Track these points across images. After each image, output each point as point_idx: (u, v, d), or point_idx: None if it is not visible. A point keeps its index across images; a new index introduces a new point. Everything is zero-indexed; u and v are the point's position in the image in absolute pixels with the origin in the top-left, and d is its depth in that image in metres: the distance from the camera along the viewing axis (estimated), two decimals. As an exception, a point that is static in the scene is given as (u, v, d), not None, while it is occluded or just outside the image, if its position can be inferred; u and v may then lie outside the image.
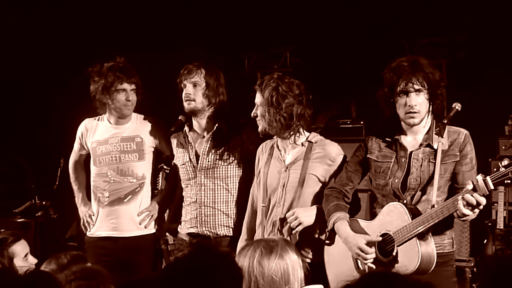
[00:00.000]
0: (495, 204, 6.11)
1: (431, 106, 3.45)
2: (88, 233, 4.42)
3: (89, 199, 4.47)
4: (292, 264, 2.65)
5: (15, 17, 7.36)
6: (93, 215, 4.37)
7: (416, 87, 3.38)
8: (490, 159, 6.27)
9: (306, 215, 3.66)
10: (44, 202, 5.77)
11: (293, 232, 3.64)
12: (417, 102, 3.39)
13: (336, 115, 7.45)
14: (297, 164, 3.77)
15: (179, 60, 4.24)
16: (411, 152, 3.47)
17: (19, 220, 6.09)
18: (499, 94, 6.73)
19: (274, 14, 7.45)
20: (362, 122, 7.20)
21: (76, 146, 4.54)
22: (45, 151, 7.05)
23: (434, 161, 3.39)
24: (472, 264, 6.35)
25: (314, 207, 3.71)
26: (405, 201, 3.41)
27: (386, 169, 3.50)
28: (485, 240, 6.10)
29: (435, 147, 3.41)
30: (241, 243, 3.88)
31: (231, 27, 7.50)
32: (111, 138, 4.35)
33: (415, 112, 3.40)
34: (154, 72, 4.42)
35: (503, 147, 6.51)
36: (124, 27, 7.37)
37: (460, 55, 7.47)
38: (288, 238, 3.65)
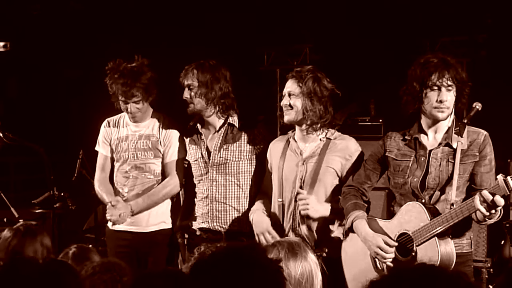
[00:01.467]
0: (513, 206, 6.06)
1: (456, 103, 3.45)
2: (108, 225, 4.47)
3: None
4: (314, 266, 2.66)
5: (36, 10, 7.42)
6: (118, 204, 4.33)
7: (449, 82, 3.38)
8: (509, 160, 6.22)
9: (316, 207, 3.68)
10: (62, 193, 5.79)
11: (301, 212, 3.65)
12: (448, 97, 3.39)
13: (355, 113, 7.43)
14: (315, 158, 3.78)
15: (195, 58, 4.25)
16: (430, 151, 3.46)
17: (37, 211, 6.12)
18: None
19: (294, 10, 7.45)
20: (380, 120, 7.18)
21: (102, 149, 4.52)
22: (65, 142, 7.11)
23: (453, 161, 3.37)
24: (489, 264, 6.31)
25: (328, 205, 3.72)
26: (423, 200, 3.40)
27: (405, 168, 3.49)
28: (502, 241, 6.05)
29: (454, 146, 3.40)
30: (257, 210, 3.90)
31: (251, 24, 7.51)
32: (130, 135, 4.41)
33: (444, 108, 3.40)
34: (171, 70, 4.40)
35: (523, 148, 6.45)
36: (144, 23, 7.40)
37: (481, 54, 7.42)
38: (305, 228, 3.67)
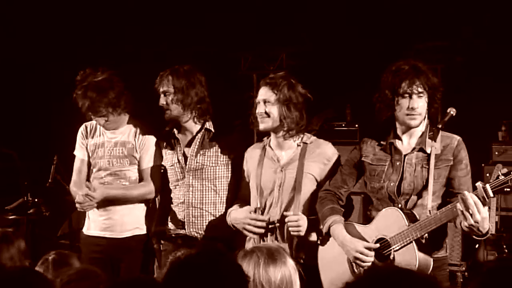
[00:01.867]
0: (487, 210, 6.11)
1: (429, 109, 3.47)
2: (83, 231, 4.43)
3: None
4: (293, 271, 2.67)
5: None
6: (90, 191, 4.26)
7: (420, 89, 3.40)
8: (483, 165, 6.29)
9: (305, 226, 3.66)
10: (36, 199, 5.73)
11: (291, 233, 3.63)
12: (419, 104, 3.41)
13: (331, 118, 7.46)
14: (293, 164, 3.77)
15: (171, 62, 4.23)
16: (405, 156, 3.48)
17: (10, 217, 6.06)
18: (493, 100, 6.75)
19: (271, 16, 7.46)
20: (356, 125, 7.22)
21: (79, 153, 4.48)
22: (39, 147, 7.03)
23: (427, 166, 3.40)
24: (464, 268, 6.37)
25: (311, 218, 3.71)
26: (400, 205, 3.42)
27: (381, 172, 3.51)
28: (477, 245, 6.10)
29: (428, 151, 3.42)
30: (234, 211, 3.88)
31: (227, 28, 7.50)
32: (106, 142, 4.38)
33: (416, 114, 3.42)
34: (146, 75, 4.38)
35: (496, 153, 6.53)
36: (128, 27, 7.36)
37: (455, 60, 7.49)
38: (284, 239, 3.67)
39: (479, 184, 3.15)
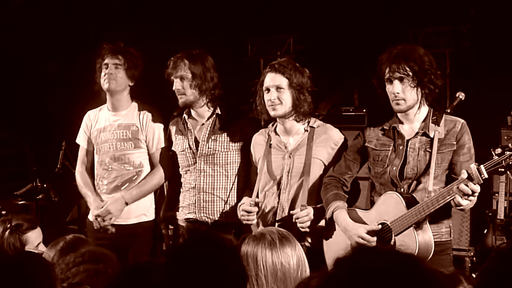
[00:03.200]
0: (496, 195, 6.11)
1: (420, 94, 3.43)
2: (89, 217, 4.43)
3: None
4: (303, 254, 2.68)
5: (18, 0, 7.34)
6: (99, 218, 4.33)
7: (398, 74, 3.38)
8: (492, 149, 6.23)
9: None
10: (45, 185, 5.76)
11: (302, 229, 3.63)
12: (400, 89, 3.40)
13: (339, 103, 7.44)
14: (301, 150, 3.77)
15: (178, 47, 4.21)
16: (408, 140, 3.47)
17: (20, 203, 6.09)
18: (502, 84, 6.71)
19: (277, 0, 7.42)
20: (364, 110, 7.19)
21: (82, 142, 4.50)
22: (47, 133, 7.05)
23: (430, 151, 3.39)
24: (472, 253, 6.37)
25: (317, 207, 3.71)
26: (402, 189, 3.42)
27: (384, 157, 3.51)
28: (485, 230, 6.10)
29: (431, 135, 3.41)
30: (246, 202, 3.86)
31: (234, 13, 7.47)
32: (109, 126, 4.36)
33: (399, 99, 3.41)
34: (154, 60, 4.37)
35: (505, 137, 6.49)
36: (126, 13, 7.34)
37: (464, 44, 7.44)
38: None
39: (473, 165, 3.14)
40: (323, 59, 7.21)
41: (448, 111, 3.44)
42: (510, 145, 3.07)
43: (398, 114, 3.52)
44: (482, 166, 3.12)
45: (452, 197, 3.17)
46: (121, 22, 7.11)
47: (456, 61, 7.59)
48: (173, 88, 4.06)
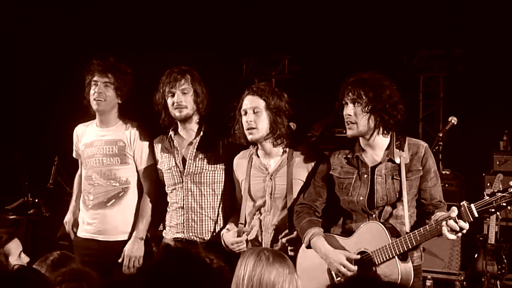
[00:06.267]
0: (487, 219, 6.12)
1: (374, 122, 3.41)
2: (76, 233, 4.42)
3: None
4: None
5: (11, 17, 7.37)
6: (71, 224, 4.42)
7: (351, 96, 3.40)
8: (484, 174, 6.26)
9: None
10: (36, 200, 5.74)
11: (291, 252, 3.64)
12: (352, 112, 3.41)
13: (332, 124, 7.46)
14: (282, 172, 3.77)
15: (172, 65, 4.21)
16: (373, 168, 3.46)
17: (10, 217, 6.06)
18: (495, 109, 6.76)
19: (274, 21, 7.47)
20: (357, 132, 7.20)
21: (76, 156, 4.52)
22: (40, 148, 7.04)
23: (399, 178, 3.39)
24: (462, 277, 6.36)
25: None
26: (373, 216, 3.42)
27: (348, 185, 3.50)
28: (476, 255, 6.10)
29: (397, 161, 3.42)
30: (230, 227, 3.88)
31: (231, 33, 7.52)
32: (96, 141, 4.34)
33: (350, 122, 3.44)
34: (145, 75, 4.38)
35: (497, 162, 6.51)
36: (122, 29, 7.37)
37: (458, 68, 7.51)
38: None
39: (464, 203, 3.15)
40: (317, 80, 7.25)
41: (441, 135, 3.45)
42: (500, 186, 3.09)
43: (361, 142, 3.51)
44: (473, 206, 3.13)
45: (440, 233, 3.18)
46: (113, 38, 7.14)
47: (449, 85, 7.66)
48: (173, 101, 4.02)
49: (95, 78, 4.23)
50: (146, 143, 4.28)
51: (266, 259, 2.68)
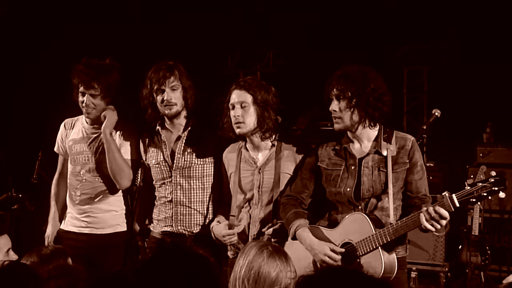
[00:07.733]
0: (471, 211, 6.17)
1: (359, 116, 3.43)
2: (61, 226, 4.40)
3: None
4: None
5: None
6: (53, 238, 4.38)
7: (335, 92, 3.44)
8: (467, 166, 6.31)
9: None
10: (20, 195, 5.69)
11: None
12: (337, 108, 3.44)
13: (317, 117, 7.47)
14: (270, 165, 3.78)
15: (157, 59, 4.19)
16: (360, 160, 3.49)
17: (-6, 212, 6.02)
18: (479, 102, 6.80)
19: (259, 14, 7.47)
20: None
21: (59, 150, 4.48)
22: (23, 143, 6.99)
23: (385, 170, 3.42)
24: (447, 269, 6.43)
25: None
26: (359, 207, 3.44)
27: (336, 177, 3.52)
28: (460, 246, 6.15)
29: (384, 154, 3.44)
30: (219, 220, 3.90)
31: (215, 26, 7.50)
32: (85, 138, 4.33)
33: (336, 117, 3.46)
34: (132, 72, 4.35)
35: (481, 155, 6.56)
36: (109, 26, 7.34)
37: (442, 62, 7.55)
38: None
39: (445, 194, 3.18)
40: (302, 74, 7.26)
41: (424, 127, 3.47)
42: (482, 176, 3.12)
43: (349, 133, 3.54)
44: (454, 195, 3.17)
45: (420, 224, 3.21)
46: (102, 35, 7.11)
47: (433, 79, 7.70)
48: (162, 98, 4.00)
49: (81, 89, 4.20)
50: (129, 137, 4.27)
51: (268, 254, 2.71)
